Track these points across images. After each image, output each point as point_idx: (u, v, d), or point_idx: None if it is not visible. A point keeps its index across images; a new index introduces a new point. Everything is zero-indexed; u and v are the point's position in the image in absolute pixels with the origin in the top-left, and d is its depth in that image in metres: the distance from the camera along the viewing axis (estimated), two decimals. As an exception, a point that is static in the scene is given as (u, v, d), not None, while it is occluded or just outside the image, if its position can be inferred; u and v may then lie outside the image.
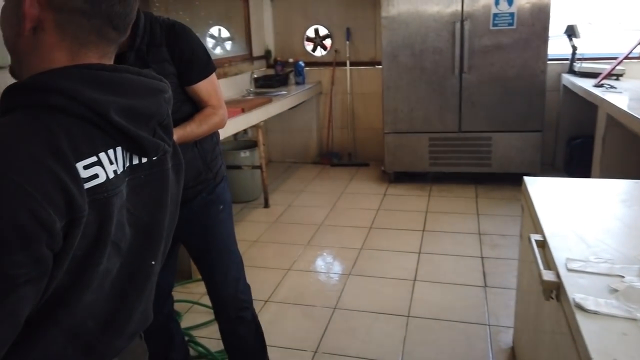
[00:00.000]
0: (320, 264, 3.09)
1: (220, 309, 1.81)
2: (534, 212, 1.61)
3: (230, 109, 3.42)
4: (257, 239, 3.43)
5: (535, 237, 1.44)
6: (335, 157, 5.20)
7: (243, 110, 3.48)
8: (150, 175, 0.82)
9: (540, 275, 1.25)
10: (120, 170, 0.74)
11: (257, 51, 4.97)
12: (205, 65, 1.61)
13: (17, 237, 0.59)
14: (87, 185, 0.67)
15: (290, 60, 5.10)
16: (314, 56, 5.15)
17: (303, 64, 5.00)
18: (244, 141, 4.41)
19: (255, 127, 3.88)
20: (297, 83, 4.99)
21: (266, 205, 4.03)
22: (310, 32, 5.10)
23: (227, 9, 4.59)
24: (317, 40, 5.11)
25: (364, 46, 4.98)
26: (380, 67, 4.44)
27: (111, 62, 0.78)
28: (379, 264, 2.99)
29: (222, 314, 1.82)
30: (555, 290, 1.22)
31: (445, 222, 3.56)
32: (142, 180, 0.80)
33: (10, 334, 0.62)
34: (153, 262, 0.85)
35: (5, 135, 0.62)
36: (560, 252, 1.31)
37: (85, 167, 0.67)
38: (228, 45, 4.66)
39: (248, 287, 1.86)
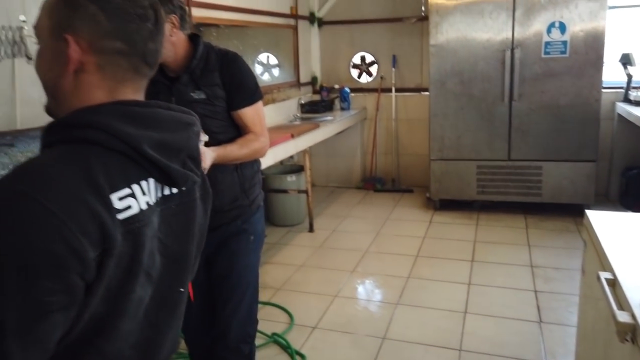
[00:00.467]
0: (366, 291, 3.07)
1: (221, 335, 1.76)
2: (601, 249, 1.55)
3: (279, 134, 3.52)
4: (302, 264, 3.45)
5: (604, 275, 1.39)
6: (379, 182, 5.19)
7: (292, 136, 3.55)
8: (180, 205, 0.83)
9: (613, 316, 1.20)
10: (152, 201, 0.76)
11: (304, 77, 5.07)
12: (251, 93, 1.68)
13: (50, 265, 0.61)
14: (121, 216, 0.69)
15: (336, 86, 5.18)
16: (359, 82, 5.21)
17: (348, 90, 5.06)
18: (290, 165, 4.48)
19: (302, 151, 3.94)
20: (343, 109, 5.05)
21: (311, 229, 4.05)
22: (357, 59, 5.18)
23: (276, 37, 4.73)
24: (363, 67, 5.18)
25: (410, 73, 5.01)
26: (426, 93, 4.45)
27: (143, 95, 0.81)
28: (427, 293, 2.94)
29: (221, 341, 1.76)
30: (631, 333, 1.17)
31: (495, 252, 3.47)
32: (173, 210, 0.82)
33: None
34: (182, 290, 0.87)
35: (45, 167, 0.66)
36: (633, 292, 1.25)
37: (120, 199, 0.69)
38: (276, 71, 4.79)
39: (256, 322, 1.84)
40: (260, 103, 1.71)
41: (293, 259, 3.51)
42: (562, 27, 3.78)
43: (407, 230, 3.99)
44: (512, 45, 3.90)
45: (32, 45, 2.05)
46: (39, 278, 0.60)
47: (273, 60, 4.76)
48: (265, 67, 4.73)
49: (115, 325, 0.72)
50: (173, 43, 1.55)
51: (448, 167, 4.28)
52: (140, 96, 0.80)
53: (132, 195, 0.71)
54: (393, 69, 5.01)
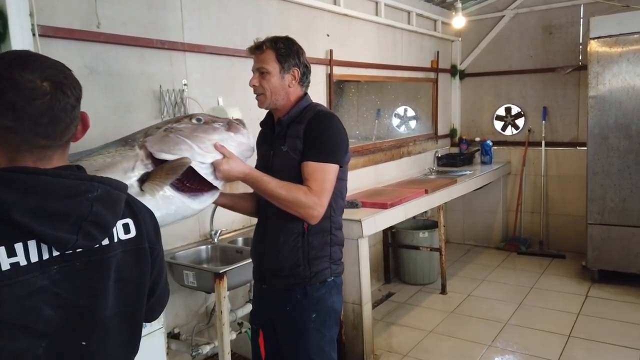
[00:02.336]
0: (505, 371, 2.71)
1: None
2: None
3: (413, 189, 3.40)
4: (432, 329, 3.20)
5: None
6: (524, 244, 4.70)
7: (427, 192, 3.40)
8: (87, 262, 0.87)
9: None
10: (24, 262, 0.80)
11: (442, 130, 4.92)
12: (326, 152, 1.58)
13: None
14: None
15: (477, 139, 4.92)
16: (503, 135, 4.88)
17: (491, 143, 4.77)
18: (423, 220, 4.28)
19: (436, 207, 3.75)
20: (483, 162, 4.75)
21: (443, 291, 3.78)
22: (501, 111, 4.88)
23: (415, 90, 4.69)
24: (508, 119, 4.85)
25: (564, 126, 4.55)
26: (582, 148, 3.99)
27: (50, 161, 0.87)
28: (581, 385, 2.49)
29: None
30: None
31: (674, 343, 2.84)
32: (78, 267, 0.86)
33: None
34: (84, 343, 0.87)
35: None
36: None
37: None
38: (413, 124, 4.73)
39: None
40: (332, 167, 1.58)
41: (422, 323, 3.28)
42: None
43: (557, 303, 3.49)
44: (697, 95, 3.31)
45: (190, 106, 2.28)
46: None
47: (410, 112, 4.72)
48: (402, 119, 4.70)
49: None
50: (287, 92, 1.64)
51: (610, 233, 3.70)
52: (43, 164, 0.86)
53: None
54: (543, 122, 4.61)
